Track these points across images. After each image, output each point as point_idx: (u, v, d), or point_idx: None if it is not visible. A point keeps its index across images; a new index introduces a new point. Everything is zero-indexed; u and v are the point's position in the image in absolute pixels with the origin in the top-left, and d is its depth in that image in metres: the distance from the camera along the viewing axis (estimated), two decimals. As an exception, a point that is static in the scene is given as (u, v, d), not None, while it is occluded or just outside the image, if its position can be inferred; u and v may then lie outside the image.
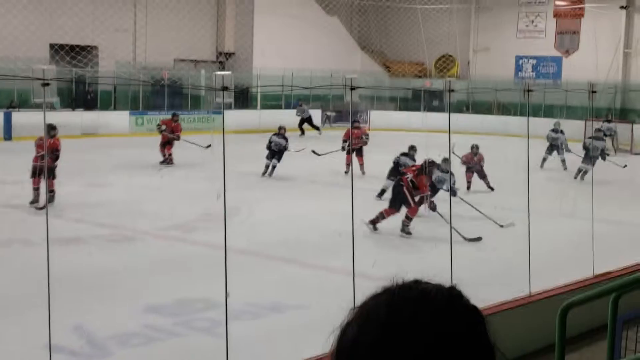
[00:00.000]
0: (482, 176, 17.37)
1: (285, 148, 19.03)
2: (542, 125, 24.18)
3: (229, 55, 34.94)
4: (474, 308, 1.16)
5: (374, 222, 12.47)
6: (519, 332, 6.90)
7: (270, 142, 19.04)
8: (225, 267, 5.89)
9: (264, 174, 18.68)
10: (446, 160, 12.52)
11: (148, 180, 17.69)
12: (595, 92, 9.38)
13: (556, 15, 37.01)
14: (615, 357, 5.00)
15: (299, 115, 30.35)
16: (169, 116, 22.64)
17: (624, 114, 30.97)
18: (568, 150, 21.13)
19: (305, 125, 30.20)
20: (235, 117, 26.58)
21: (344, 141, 19.08)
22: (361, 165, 18.86)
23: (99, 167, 18.61)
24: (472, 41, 39.27)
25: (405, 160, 18.63)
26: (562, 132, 21.68)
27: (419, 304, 1.12)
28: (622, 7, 34.45)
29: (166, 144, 20.29)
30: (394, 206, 12.67)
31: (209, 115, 29.33)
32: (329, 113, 33.06)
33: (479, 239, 12.03)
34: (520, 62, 38.16)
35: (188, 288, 9.38)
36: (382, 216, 12.57)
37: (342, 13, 37.81)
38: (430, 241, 11.66)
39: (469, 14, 38.89)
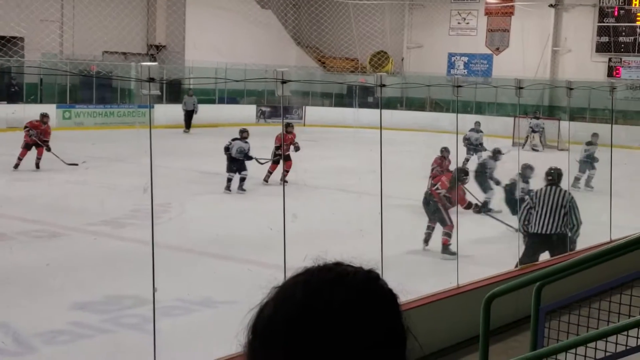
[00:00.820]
0: None
1: (247, 155, 16.61)
2: (473, 120, 24.63)
3: (160, 48, 34.45)
4: (390, 291, 1.18)
5: (426, 241, 11.80)
6: (447, 322, 7.00)
7: (229, 148, 16.60)
8: (152, 262, 5.79)
9: (227, 188, 16.18)
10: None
11: (75, 175, 17.32)
12: (522, 88, 9.52)
13: (487, 13, 37.64)
14: (538, 346, 5.09)
15: (185, 109, 28.70)
16: (98, 110, 22.06)
17: (552, 111, 31.68)
18: (484, 149, 21.43)
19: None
20: (166, 111, 26.26)
21: (276, 147, 17.16)
22: (287, 172, 15.74)
23: (24, 161, 18.14)
24: (405, 38, 39.63)
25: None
26: (481, 131, 22.09)
27: (335, 285, 1.14)
28: (551, 6, 35.22)
29: (31, 146, 17.77)
30: (434, 219, 11.92)
31: (138, 109, 28.84)
32: (263, 108, 32.96)
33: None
34: (453, 59, 38.68)
35: (116, 285, 9.24)
36: (429, 230, 11.88)
37: (276, 7, 37.66)
38: (366, 233, 11.71)
39: (403, 11, 39.23)
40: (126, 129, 23.95)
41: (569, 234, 9.15)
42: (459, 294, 7.21)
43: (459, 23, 38.39)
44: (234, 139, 16.84)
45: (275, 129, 22.94)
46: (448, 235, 11.34)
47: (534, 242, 9.24)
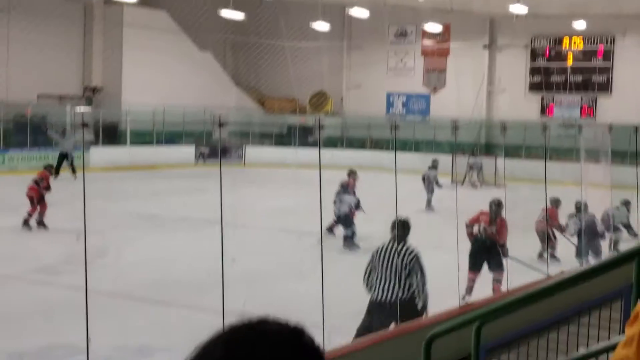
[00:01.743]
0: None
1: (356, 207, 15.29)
2: (412, 159, 24.89)
3: (96, 90, 34.04)
4: (315, 348, 1.15)
5: (469, 292, 11.03)
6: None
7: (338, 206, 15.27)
8: (86, 310, 5.63)
9: (348, 247, 14.79)
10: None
11: (10, 221, 16.85)
12: (458, 128, 9.66)
13: (424, 53, 38.31)
14: (478, 386, 5.06)
15: (59, 149, 25.67)
16: (32, 154, 21.51)
17: (489, 149, 32.25)
18: (439, 186, 21.68)
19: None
20: (103, 153, 25.89)
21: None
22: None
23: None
24: (344, 78, 40.03)
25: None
26: (436, 168, 22.47)
27: (257, 343, 1.11)
28: (485, 47, 36.06)
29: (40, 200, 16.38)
30: (477, 268, 11.21)
31: (75, 151, 28.30)
32: (202, 149, 32.74)
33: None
34: (391, 98, 39.17)
35: (51, 334, 8.96)
36: (471, 283, 11.11)
37: (215, 49, 37.69)
38: (307, 274, 11.62)
39: (341, 52, 39.67)
40: (61, 172, 23.48)
41: (417, 300, 7.76)
42: (397, 336, 7.13)
43: (396, 63, 38.97)
44: (340, 193, 15.64)
45: (213, 170, 22.74)
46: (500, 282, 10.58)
47: (373, 310, 7.84)
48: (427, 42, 37.97)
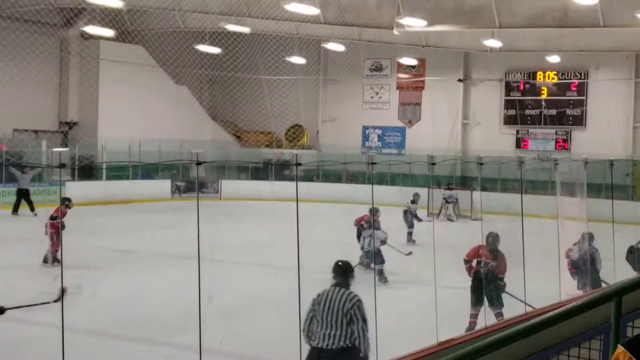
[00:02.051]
0: None
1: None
2: (388, 193, 24.95)
3: (72, 124, 33.88)
4: None
5: (472, 328, 10.75)
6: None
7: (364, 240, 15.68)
8: (62, 348, 5.53)
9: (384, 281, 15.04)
10: None
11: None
12: (434, 164, 9.69)
13: (399, 87, 38.61)
14: None
15: (18, 186, 24.73)
16: (8, 188, 21.15)
17: (464, 182, 32.42)
18: (419, 220, 21.72)
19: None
20: (78, 188, 25.68)
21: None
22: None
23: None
24: (320, 111, 40.20)
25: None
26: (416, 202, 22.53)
27: None
28: (459, 80, 36.40)
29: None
30: (479, 303, 10.99)
31: (49, 187, 28.08)
32: (178, 183, 32.62)
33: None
34: (367, 131, 39.35)
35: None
36: (473, 318, 10.93)
37: (191, 83, 37.76)
38: (285, 310, 11.53)
39: (317, 86, 39.88)
40: (37, 207, 23.24)
41: (361, 349, 7.25)
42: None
43: (372, 97, 39.22)
44: (366, 228, 15.90)
45: (189, 203, 22.60)
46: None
47: (313, 359, 7.39)
48: (403, 76, 38.30)
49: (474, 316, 10.98)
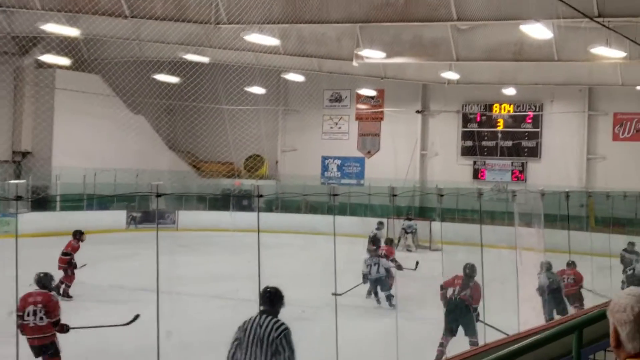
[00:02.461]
0: None
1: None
2: (348, 223, 24.95)
3: (26, 154, 33.33)
4: None
5: (439, 358, 10.77)
6: None
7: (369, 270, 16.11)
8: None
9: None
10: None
11: None
12: (396, 195, 9.71)
13: (358, 118, 38.83)
14: None
15: None
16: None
17: (423, 212, 32.56)
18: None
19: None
20: (32, 219, 25.18)
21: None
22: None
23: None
24: (279, 141, 40.20)
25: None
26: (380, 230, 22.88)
27: None
28: (418, 112, 36.75)
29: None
30: (452, 332, 11.02)
31: (3, 217, 27.43)
32: (134, 214, 32.16)
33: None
34: (326, 162, 39.43)
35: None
36: (442, 347, 10.88)
37: (149, 113, 37.48)
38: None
39: (277, 115, 39.92)
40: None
41: None
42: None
43: (331, 127, 39.36)
44: (372, 256, 16.34)
45: (145, 234, 22.31)
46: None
47: None
48: (362, 107, 38.53)
49: (442, 345, 10.94)
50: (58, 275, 15.47)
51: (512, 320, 12.58)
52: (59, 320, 9.83)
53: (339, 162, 39.19)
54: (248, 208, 31.31)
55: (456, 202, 29.89)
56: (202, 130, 37.69)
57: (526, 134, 34.60)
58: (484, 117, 35.56)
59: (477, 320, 11.09)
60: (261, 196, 7.44)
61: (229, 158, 38.36)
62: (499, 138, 35.12)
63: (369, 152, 38.52)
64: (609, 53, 20.25)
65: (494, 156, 35.23)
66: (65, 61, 29.36)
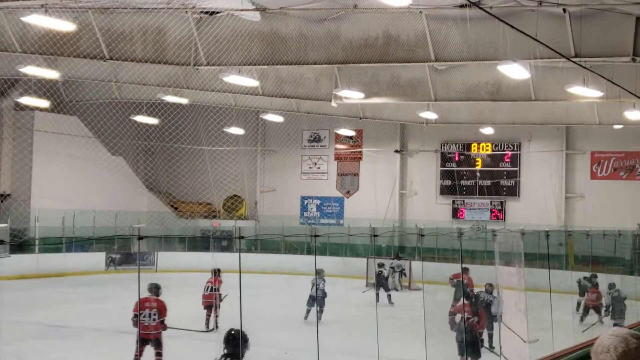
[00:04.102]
0: None
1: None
2: (327, 263, 24.87)
3: (4, 196, 33.05)
4: None
5: None
6: None
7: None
8: None
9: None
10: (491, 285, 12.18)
11: None
12: (377, 235, 9.72)
13: (337, 158, 38.96)
14: None
15: None
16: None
17: (402, 252, 32.54)
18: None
19: None
20: (10, 262, 24.94)
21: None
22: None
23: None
24: (258, 182, 40.20)
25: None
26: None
27: None
28: (396, 151, 36.96)
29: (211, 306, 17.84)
30: (465, 353, 11.58)
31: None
32: (113, 255, 31.87)
33: None
34: (306, 202, 39.42)
35: None
36: None
37: (127, 154, 37.42)
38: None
39: (255, 156, 39.98)
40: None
41: None
42: None
43: (310, 167, 39.45)
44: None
45: (124, 276, 22.14)
46: None
47: None
48: (341, 147, 38.70)
49: None
50: None
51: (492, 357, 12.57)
52: (163, 320, 12.47)
53: (318, 202, 39.20)
54: (228, 249, 31.14)
55: (436, 242, 29.94)
56: (180, 170, 37.65)
57: (505, 173, 34.84)
58: (462, 157, 35.81)
59: (482, 345, 11.59)
60: (243, 237, 7.41)
61: (207, 199, 38.29)
62: (478, 177, 35.34)
63: (348, 192, 38.60)
64: (586, 92, 20.50)
65: (473, 195, 35.41)
66: (44, 103, 29.33)
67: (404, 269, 28.31)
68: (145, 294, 12.44)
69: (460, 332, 11.96)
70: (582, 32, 18.17)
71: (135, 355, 11.89)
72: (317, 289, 17.52)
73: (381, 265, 24.72)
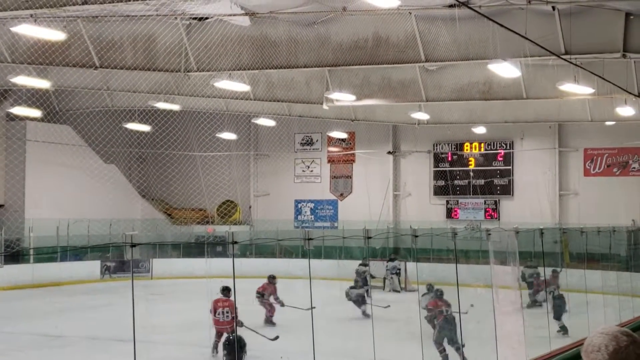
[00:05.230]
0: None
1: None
2: (322, 267, 24.87)
3: (-3, 207, 32.97)
4: None
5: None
6: None
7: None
8: None
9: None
10: None
11: None
12: (371, 237, 9.73)
13: (330, 161, 38.95)
14: None
15: None
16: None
17: (396, 253, 32.52)
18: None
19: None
20: (4, 272, 24.88)
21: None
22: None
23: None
24: (251, 186, 40.17)
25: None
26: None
27: None
28: (389, 153, 36.97)
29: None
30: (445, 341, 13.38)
31: None
32: (108, 264, 31.79)
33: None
34: (299, 205, 39.40)
35: None
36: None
37: (121, 161, 37.36)
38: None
39: (248, 161, 39.96)
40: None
41: None
42: None
43: (303, 171, 39.43)
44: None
45: (119, 284, 22.07)
46: None
47: None
48: (333, 150, 38.69)
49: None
50: None
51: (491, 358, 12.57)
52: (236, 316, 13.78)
53: (312, 205, 39.18)
54: (222, 254, 31.05)
55: (430, 242, 29.91)
56: (174, 177, 37.61)
57: (498, 172, 34.88)
58: (455, 157, 35.83)
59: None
60: (236, 242, 7.40)
61: (201, 205, 38.23)
62: (471, 177, 35.37)
63: (341, 195, 38.59)
64: (578, 90, 20.54)
65: (466, 195, 35.43)
66: (35, 113, 29.29)
67: (399, 269, 28.30)
68: (215, 296, 14.89)
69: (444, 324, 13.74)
70: (571, 29, 18.21)
71: (215, 342, 14.61)
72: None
73: (365, 265, 24.26)
